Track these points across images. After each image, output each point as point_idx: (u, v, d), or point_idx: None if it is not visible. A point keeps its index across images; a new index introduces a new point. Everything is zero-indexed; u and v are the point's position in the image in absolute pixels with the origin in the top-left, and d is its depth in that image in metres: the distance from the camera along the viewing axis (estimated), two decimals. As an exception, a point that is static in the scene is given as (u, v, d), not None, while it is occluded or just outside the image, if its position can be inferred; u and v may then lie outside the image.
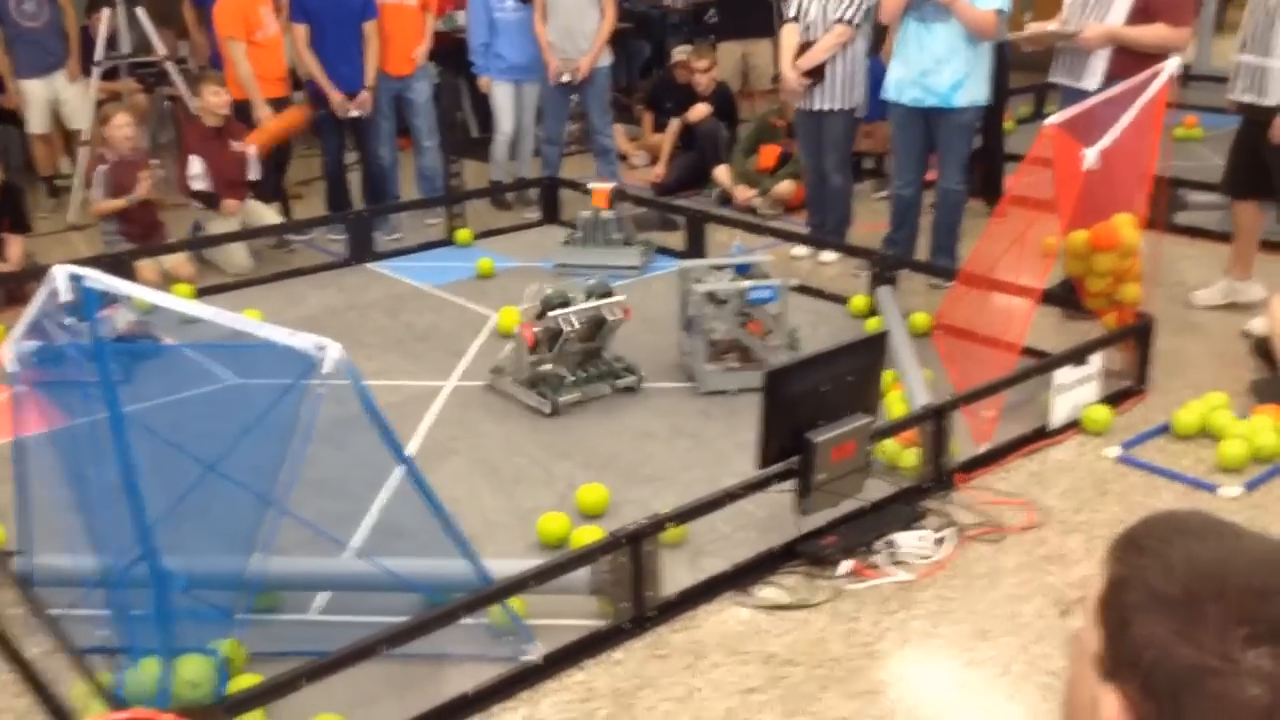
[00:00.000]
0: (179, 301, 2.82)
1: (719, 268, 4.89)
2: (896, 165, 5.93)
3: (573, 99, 7.62)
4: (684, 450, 4.18)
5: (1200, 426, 4.10)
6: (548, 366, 4.54)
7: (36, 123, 7.78)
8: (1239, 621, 0.94)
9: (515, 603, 3.01)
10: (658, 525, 3.15)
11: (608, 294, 4.65)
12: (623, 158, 8.49)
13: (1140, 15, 4.89)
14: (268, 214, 6.67)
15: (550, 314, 4.45)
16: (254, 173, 6.63)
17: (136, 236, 6.39)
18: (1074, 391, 4.18)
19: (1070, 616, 1.09)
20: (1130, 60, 4.83)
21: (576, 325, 4.47)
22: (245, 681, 2.74)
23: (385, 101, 7.02)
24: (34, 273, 5.89)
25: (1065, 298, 4.88)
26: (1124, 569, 1.02)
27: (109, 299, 3.30)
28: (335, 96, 6.72)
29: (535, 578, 2.97)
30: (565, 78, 7.14)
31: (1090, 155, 4.15)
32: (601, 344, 4.68)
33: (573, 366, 4.59)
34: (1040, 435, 4.11)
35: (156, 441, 2.56)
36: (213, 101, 6.48)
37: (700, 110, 7.98)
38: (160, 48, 7.85)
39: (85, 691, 2.64)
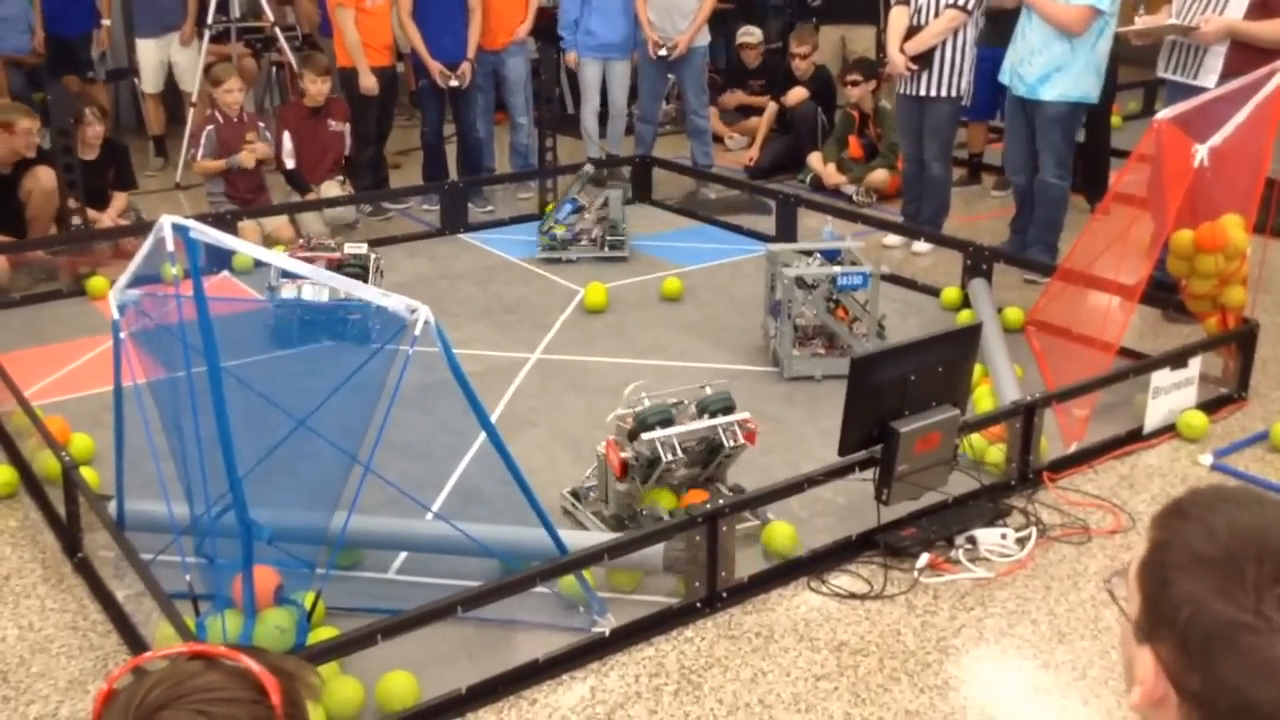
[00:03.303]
0: (281, 258, 2.87)
1: (807, 253, 4.84)
2: (1005, 151, 5.82)
3: (669, 78, 7.59)
4: (765, 434, 4.12)
5: (1301, 438, 3.97)
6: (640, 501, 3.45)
7: (150, 82, 8.00)
8: (1275, 582, 0.97)
9: (589, 575, 3.03)
10: (735, 505, 3.15)
11: (728, 409, 3.48)
12: (718, 139, 8.45)
13: (1259, 10, 4.72)
14: (332, 188, 6.78)
15: (645, 436, 3.32)
16: (348, 149, 6.83)
17: (240, 199, 6.54)
18: (1171, 395, 4.06)
19: (1115, 588, 1.12)
20: (1248, 56, 4.68)
21: (680, 453, 3.33)
22: (323, 634, 2.81)
23: (483, 75, 7.07)
24: (139, 227, 6.07)
25: (1167, 298, 4.74)
26: (1167, 533, 1.06)
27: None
28: (434, 67, 6.79)
29: (610, 551, 2.98)
30: (662, 52, 7.12)
31: (1201, 151, 4.02)
32: (717, 475, 3.57)
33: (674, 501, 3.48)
34: (1133, 438, 4.00)
35: (250, 396, 2.63)
36: (311, 90, 6.65)
37: (797, 94, 7.90)
38: (269, 13, 8.01)
39: (170, 634, 2.71)
